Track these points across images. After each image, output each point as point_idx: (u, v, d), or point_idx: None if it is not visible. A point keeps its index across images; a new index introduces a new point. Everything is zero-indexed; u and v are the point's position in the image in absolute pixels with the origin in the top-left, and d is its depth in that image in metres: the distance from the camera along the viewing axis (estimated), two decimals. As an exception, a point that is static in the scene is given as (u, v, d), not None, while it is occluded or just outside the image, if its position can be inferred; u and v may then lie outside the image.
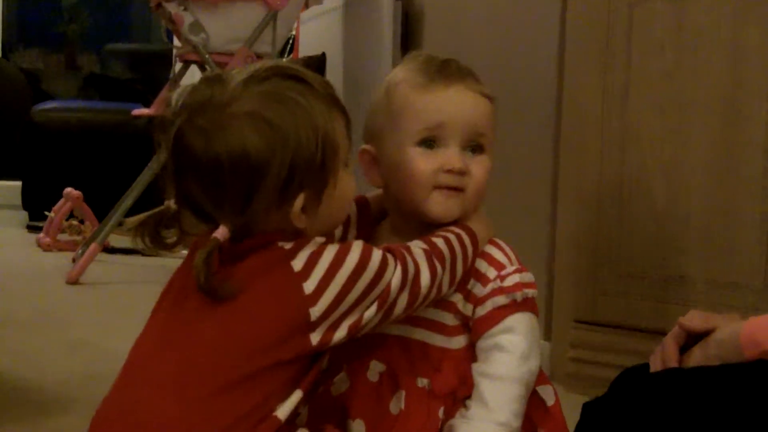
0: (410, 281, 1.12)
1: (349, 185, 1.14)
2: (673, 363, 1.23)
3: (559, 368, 2.08)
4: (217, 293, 1.04)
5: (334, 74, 3.96)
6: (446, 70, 1.24)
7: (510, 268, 1.23)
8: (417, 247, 1.15)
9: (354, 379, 1.23)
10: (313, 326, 1.05)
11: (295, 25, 4.32)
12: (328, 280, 1.05)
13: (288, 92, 1.06)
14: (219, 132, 1.04)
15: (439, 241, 1.17)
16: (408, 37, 3.25)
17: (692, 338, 1.24)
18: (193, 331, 1.05)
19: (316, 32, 4.26)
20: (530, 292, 1.22)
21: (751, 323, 1.18)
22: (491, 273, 1.23)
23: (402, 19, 3.25)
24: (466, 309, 1.22)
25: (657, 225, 1.99)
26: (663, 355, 1.25)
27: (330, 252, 1.07)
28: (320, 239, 1.09)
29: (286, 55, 4.69)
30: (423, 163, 1.20)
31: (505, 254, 1.25)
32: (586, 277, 2.07)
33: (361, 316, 1.09)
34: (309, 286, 1.05)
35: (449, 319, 1.23)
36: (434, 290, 1.15)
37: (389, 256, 1.11)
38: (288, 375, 1.05)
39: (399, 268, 1.10)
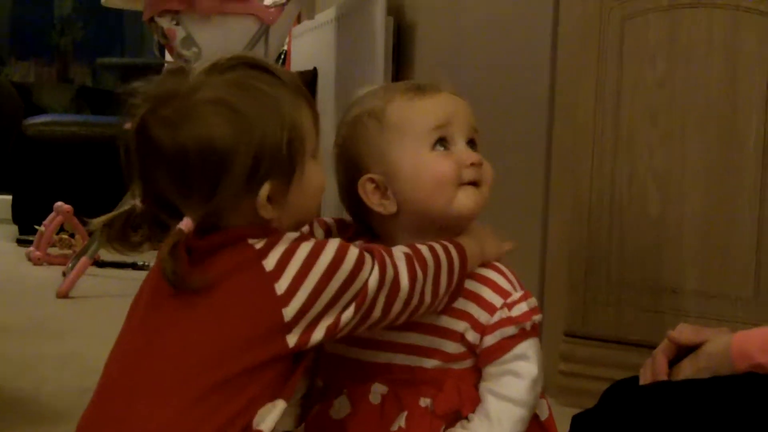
0: (388, 283, 1.08)
1: (318, 176, 1.11)
2: (663, 376, 1.24)
3: (550, 381, 2.07)
4: (186, 284, 1.03)
5: (326, 89, 3.97)
6: (425, 83, 1.25)
7: (516, 295, 1.23)
8: (399, 251, 1.13)
9: (356, 403, 1.23)
10: (287, 327, 1.03)
11: (287, 39, 4.33)
12: (301, 279, 1.03)
13: (253, 81, 1.05)
14: (184, 121, 1.03)
15: (424, 248, 1.15)
16: (400, 52, 3.26)
17: (682, 351, 1.25)
18: (166, 337, 1.04)
19: (308, 47, 4.27)
20: (537, 318, 1.23)
21: (741, 336, 1.18)
22: (497, 301, 1.22)
23: (394, 33, 3.26)
24: (474, 338, 1.22)
25: (649, 234, 1.99)
26: (653, 369, 1.26)
27: (303, 250, 1.05)
28: (292, 235, 1.07)
29: (278, 69, 4.70)
30: (444, 163, 1.20)
31: (508, 280, 1.24)
32: (577, 289, 2.07)
33: (339, 318, 1.06)
34: (281, 286, 1.03)
35: (455, 348, 1.22)
36: (415, 297, 1.12)
37: (366, 255, 1.08)
38: (268, 379, 1.03)
39: (377, 267, 1.08)
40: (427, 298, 1.14)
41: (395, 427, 1.19)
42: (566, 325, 2.10)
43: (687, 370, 1.22)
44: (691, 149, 1.94)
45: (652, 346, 1.30)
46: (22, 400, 1.95)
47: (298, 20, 4.04)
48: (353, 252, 1.07)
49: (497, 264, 1.27)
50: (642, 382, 1.25)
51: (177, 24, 3.30)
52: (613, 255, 2.03)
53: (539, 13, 2.29)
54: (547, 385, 2.06)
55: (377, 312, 1.09)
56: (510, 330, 1.21)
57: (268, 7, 3.38)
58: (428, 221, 1.22)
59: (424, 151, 1.21)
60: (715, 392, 1.12)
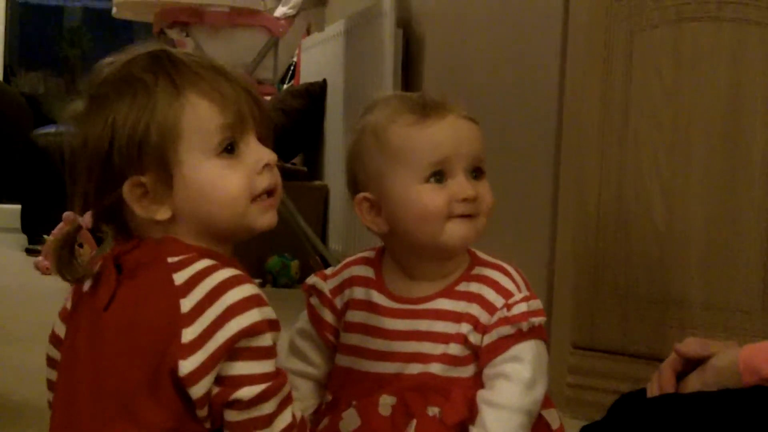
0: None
1: (221, 179, 1.02)
2: (670, 389, 1.23)
3: (557, 394, 2.08)
4: (65, 276, 1.04)
5: (335, 100, 3.99)
6: (432, 103, 1.24)
7: (518, 296, 1.22)
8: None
9: (366, 416, 1.22)
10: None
11: (297, 51, 4.34)
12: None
13: (143, 74, 1.02)
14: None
15: None
16: (409, 63, 3.27)
17: (689, 365, 1.24)
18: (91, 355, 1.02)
19: (318, 59, 4.28)
20: (537, 320, 1.21)
21: (748, 350, 1.18)
22: (499, 302, 1.22)
23: (403, 45, 3.27)
24: (476, 339, 1.22)
25: (656, 247, 1.99)
26: (660, 382, 1.25)
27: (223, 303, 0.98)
28: (208, 262, 1.00)
29: (287, 82, 4.71)
30: (436, 197, 1.20)
31: (513, 281, 1.24)
32: (584, 302, 2.07)
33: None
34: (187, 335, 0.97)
35: (459, 351, 1.22)
36: None
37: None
38: None
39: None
40: None
41: (405, 438, 1.20)
42: (574, 337, 2.09)
43: (694, 383, 1.21)
44: (698, 161, 1.94)
45: (659, 359, 1.30)
46: (29, 410, 1.95)
47: (308, 32, 4.05)
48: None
49: (504, 264, 1.27)
50: (649, 395, 1.25)
51: (187, 36, 3.32)
52: (620, 267, 2.03)
53: (547, 25, 2.30)
54: (555, 398, 2.07)
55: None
56: (506, 330, 1.21)
57: (277, 19, 3.39)
58: (418, 247, 1.24)
59: (417, 182, 1.21)
60: (723, 405, 1.12)
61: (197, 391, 0.96)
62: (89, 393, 1.00)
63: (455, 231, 1.21)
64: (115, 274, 1.02)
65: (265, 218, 1.05)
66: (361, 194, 1.25)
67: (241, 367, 0.97)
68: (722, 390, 1.16)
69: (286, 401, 1.00)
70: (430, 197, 1.20)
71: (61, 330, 1.11)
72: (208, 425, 0.98)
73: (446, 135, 1.21)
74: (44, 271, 3.90)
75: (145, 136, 1.00)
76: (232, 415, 0.98)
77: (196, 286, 0.98)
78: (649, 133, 1.99)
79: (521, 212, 2.40)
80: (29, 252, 4.44)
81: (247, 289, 0.99)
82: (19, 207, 4.82)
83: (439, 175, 1.21)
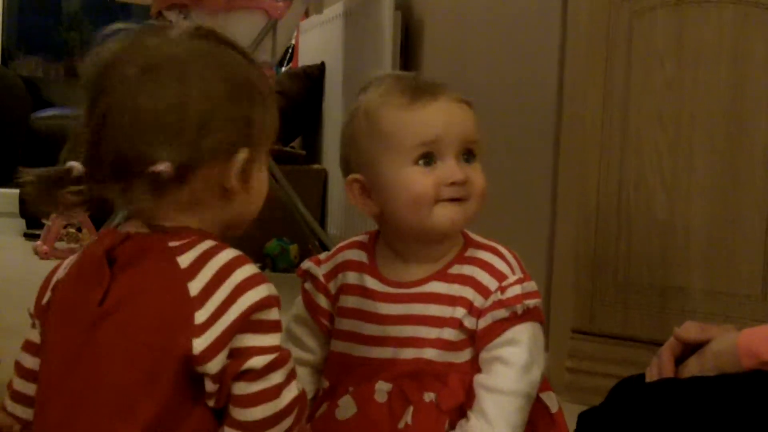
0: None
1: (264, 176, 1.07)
2: (669, 374, 1.23)
3: (557, 378, 2.08)
4: (37, 218, 1.02)
5: (333, 83, 3.98)
6: (424, 85, 1.23)
7: (511, 278, 1.22)
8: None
9: (362, 403, 1.22)
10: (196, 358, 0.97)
11: (295, 34, 4.33)
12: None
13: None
14: (147, 79, 1.00)
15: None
16: (408, 47, 3.26)
17: (688, 349, 1.24)
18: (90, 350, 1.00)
19: (316, 41, 4.27)
20: (532, 302, 1.21)
21: (747, 334, 1.18)
22: (493, 285, 1.22)
23: (402, 28, 3.26)
24: (470, 323, 1.22)
25: (656, 236, 1.99)
26: (659, 366, 1.25)
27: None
28: (210, 243, 1.00)
29: (285, 64, 4.70)
30: (424, 180, 1.19)
31: (507, 263, 1.24)
32: (584, 287, 2.07)
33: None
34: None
35: (454, 335, 1.22)
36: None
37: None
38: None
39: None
40: None
41: (402, 424, 1.19)
42: (573, 322, 2.10)
43: (693, 368, 1.21)
44: (699, 152, 1.94)
45: (658, 344, 1.30)
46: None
47: (306, 15, 4.04)
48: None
49: (497, 246, 1.27)
50: (648, 379, 1.25)
51: (185, 18, 3.30)
52: (620, 255, 2.03)
53: (547, 10, 2.29)
54: (554, 382, 2.07)
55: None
56: (501, 313, 1.20)
57: (276, 1, 3.38)
58: (407, 230, 1.23)
59: (406, 165, 1.20)
60: (722, 390, 1.12)
61: (212, 367, 0.95)
62: (84, 393, 0.99)
63: (443, 214, 1.20)
64: (108, 267, 1.01)
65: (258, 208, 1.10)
66: (352, 176, 1.25)
67: (252, 339, 0.97)
68: (721, 375, 1.16)
69: (292, 375, 1.01)
70: (419, 180, 1.20)
71: (34, 335, 1.11)
72: (212, 403, 0.98)
73: (436, 118, 1.21)
74: (43, 256, 3.90)
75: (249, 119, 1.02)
76: (241, 388, 0.98)
77: (203, 267, 0.98)
78: (650, 123, 1.99)
79: (522, 198, 2.40)
80: (28, 237, 4.44)
81: (252, 268, 1.00)
82: (17, 192, 4.82)
83: (428, 158, 1.20)
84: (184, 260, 0.98)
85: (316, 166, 4.07)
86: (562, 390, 2.03)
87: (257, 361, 0.97)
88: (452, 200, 1.21)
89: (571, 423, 1.25)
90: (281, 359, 0.99)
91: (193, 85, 0.99)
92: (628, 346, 2.00)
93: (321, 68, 4.16)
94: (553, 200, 2.23)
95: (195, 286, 0.97)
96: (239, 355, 0.97)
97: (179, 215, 1.02)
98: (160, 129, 0.98)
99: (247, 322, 0.97)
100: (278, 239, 3.66)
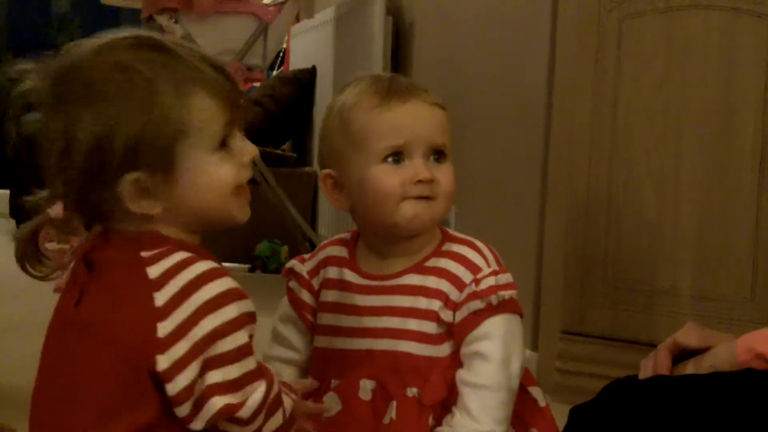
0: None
1: (218, 171, 1.00)
2: (665, 372, 1.23)
3: (546, 379, 2.09)
4: (29, 272, 1.04)
5: (324, 87, 3.98)
6: (397, 87, 1.25)
7: (486, 271, 1.23)
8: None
9: (346, 401, 1.23)
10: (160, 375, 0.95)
11: (286, 38, 4.33)
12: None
13: (139, 64, 0.97)
14: (55, 102, 1.00)
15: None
16: (398, 51, 3.26)
17: (686, 352, 1.25)
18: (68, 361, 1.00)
19: (307, 46, 4.28)
20: (506, 293, 1.22)
21: (747, 338, 1.18)
22: (467, 277, 1.23)
23: (393, 33, 3.27)
24: (447, 316, 1.23)
25: (646, 235, 2.00)
26: (655, 363, 1.25)
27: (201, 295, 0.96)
28: (183, 254, 0.98)
29: (276, 68, 4.71)
30: (390, 177, 1.21)
31: (482, 256, 1.26)
32: (574, 288, 2.08)
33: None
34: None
35: (432, 328, 1.23)
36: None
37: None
38: None
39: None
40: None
41: (387, 420, 1.21)
42: (563, 323, 2.10)
43: (692, 370, 1.21)
44: (688, 151, 1.95)
45: (648, 345, 1.31)
46: (19, 397, 1.95)
47: (297, 19, 4.04)
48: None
49: (473, 240, 1.28)
50: (642, 375, 1.25)
51: (176, 22, 3.31)
52: (609, 255, 2.04)
53: (537, 14, 2.30)
54: (543, 382, 2.08)
55: None
56: (476, 305, 1.21)
57: (266, 5, 3.38)
58: (376, 226, 1.26)
59: (374, 163, 1.22)
60: (714, 387, 1.12)
61: (174, 387, 0.94)
62: (64, 399, 0.98)
63: (408, 210, 1.22)
64: (84, 270, 1.00)
65: (244, 211, 1.05)
66: (325, 171, 1.28)
67: (217, 375, 0.95)
68: (713, 373, 1.16)
69: (276, 404, 1.01)
70: (385, 177, 1.22)
71: None
72: (199, 426, 0.96)
73: (404, 120, 1.23)
74: (33, 258, 3.90)
75: (147, 133, 0.96)
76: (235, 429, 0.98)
77: (172, 279, 0.96)
78: (640, 122, 2.00)
79: (510, 198, 2.40)
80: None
81: (223, 283, 0.97)
82: (7, 192, 4.82)
83: (396, 156, 1.22)
84: (154, 271, 0.96)
85: (306, 168, 4.07)
86: (552, 390, 2.03)
87: (245, 411, 0.97)
88: (419, 198, 1.22)
89: (561, 422, 1.26)
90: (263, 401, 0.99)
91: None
92: (617, 347, 2.01)
93: (312, 72, 4.17)
94: (542, 199, 2.23)
95: (161, 297, 0.95)
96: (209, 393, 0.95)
97: (136, 223, 1.00)
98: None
99: (210, 357, 0.95)
100: (269, 241, 3.66)
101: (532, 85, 2.31)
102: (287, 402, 1.05)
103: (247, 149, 1.04)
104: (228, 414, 0.96)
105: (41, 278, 1.08)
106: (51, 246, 3.79)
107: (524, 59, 2.38)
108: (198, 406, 0.95)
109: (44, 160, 1.00)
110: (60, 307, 1.04)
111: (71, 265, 1.05)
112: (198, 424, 0.96)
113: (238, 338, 0.97)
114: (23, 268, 1.07)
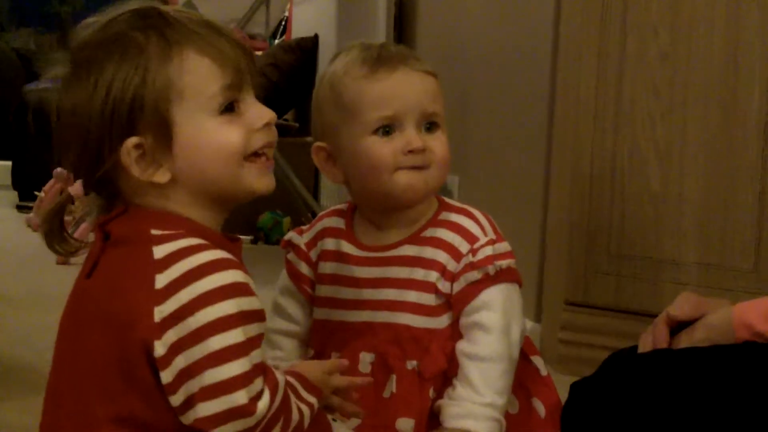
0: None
1: (219, 134, 0.99)
2: (663, 345, 1.23)
3: (549, 350, 2.09)
4: (56, 249, 1.04)
5: (327, 56, 3.95)
6: (386, 55, 1.24)
7: (482, 240, 1.23)
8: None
9: (345, 374, 1.21)
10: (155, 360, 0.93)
11: (288, 6, 4.31)
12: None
13: (132, 32, 0.98)
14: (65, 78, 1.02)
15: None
16: (402, 20, 3.24)
17: (683, 323, 1.25)
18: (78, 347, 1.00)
19: (310, 14, 4.25)
20: (504, 263, 1.22)
21: (742, 307, 1.18)
22: (464, 247, 1.23)
23: (396, 2, 3.24)
24: (445, 287, 1.23)
25: (650, 207, 1.99)
26: (654, 337, 1.25)
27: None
28: (193, 240, 0.96)
29: (278, 37, 4.68)
30: (383, 148, 1.21)
31: (479, 224, 1.25)
32: (578, 258, 2.07)
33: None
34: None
35: (431, 300, 1.23)
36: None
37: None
38: None
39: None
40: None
41: (387, 393, 1.21)
42: (567, 294, 2.10)
43: (685, 341, 1.21)
44: (693, 123, 1.94)
45: (652, 315, 1.30)
46: (22, 369, 1.95)
47: (300, -13, 4.01)
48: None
49: (470, 209, 1.28)
50: (641, 350, 1.25)
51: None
52: (614, 226, 2.03)
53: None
54: (547, 354, 2.08)
55: None
56: (473, 275, 1.21)
57: (269, -27, 3.36)
58: (370, 196, 1.25)
59: (365, 135, 1.22)
60: (714, 360, 1.12)
61: (167, 375, 0.92)
62: (71, 365, 0.99)
63: (400, 180, 1.21)
64: (101, 241, 1.00)
65: (263, 180, 1.02)
66: (317, 143, 1.27)
67: (210, 377, 0.92)
68: (713, 346, 1.16)
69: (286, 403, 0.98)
70: (377, 149, 1.21)
71: None
72: (186, 423, 0.94)
73: (394, 89, 1.22)
74: (36, 228, 3.90)
75: (140, 98, 0.96)
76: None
77: (175, 263, 0.94)
78: (645, 94, 1.99)
79: (515, 170, 2.40)
80: (20, 209, 4.43)
81: (227, 276, 0.94)
82: (9, 164, 4.81)
83: (387, 128, 1.21)
84: (160, 251, 0.95)
85: (309, 138, 4.04)
86: (556, 362, 2.03)
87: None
88: (412, 168, 1.21)
89: (564, 394, 1.26)
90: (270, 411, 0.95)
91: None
92: (621, 318, 2.01)
93: (314, 41, 4.15)
94: (546, 171, 2.22)
95: (162, 279, 0.93)
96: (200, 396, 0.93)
97: (151, 196, 0.99)
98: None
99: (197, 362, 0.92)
100: (271, 212, 3.66)
101: (536, 54, 2.29)
102: (304, 409, 1.02)
103: (259, 114, 1.02)
104: (212, 423, 0.92)
105: (68, 255, 1.08)
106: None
107: (528, 27, 2.36)
108: (187, 404, 0.93)
109: (54, 141, 1.02)
110: (79, 275, 1.04)
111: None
112: (186, 420, 0.94)
113: (228, 338, 0.92)
114: (50, 246, 1.06)
